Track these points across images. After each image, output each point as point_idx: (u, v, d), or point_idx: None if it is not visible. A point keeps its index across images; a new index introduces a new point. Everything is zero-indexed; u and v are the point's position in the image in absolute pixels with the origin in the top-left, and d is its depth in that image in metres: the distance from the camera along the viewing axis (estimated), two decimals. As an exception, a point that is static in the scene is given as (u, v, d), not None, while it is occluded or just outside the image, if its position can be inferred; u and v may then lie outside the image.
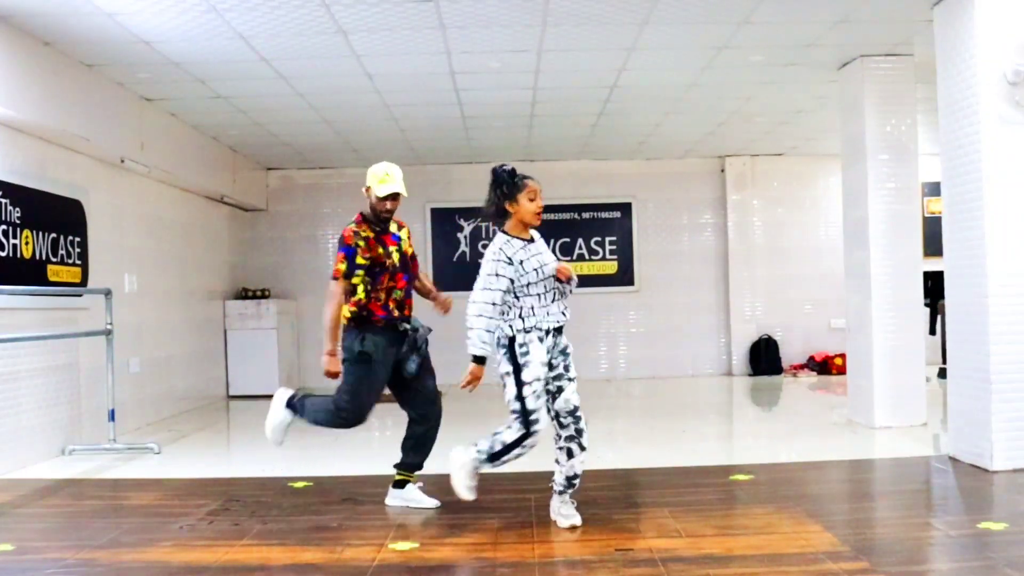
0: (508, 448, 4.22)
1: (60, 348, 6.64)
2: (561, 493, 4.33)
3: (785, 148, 11.25)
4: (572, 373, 4.29)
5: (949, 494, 5.09)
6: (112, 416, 6.78)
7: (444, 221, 11.53)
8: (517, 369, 4.15)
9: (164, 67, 6.82)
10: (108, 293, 6.93)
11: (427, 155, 10.94)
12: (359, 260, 4.65)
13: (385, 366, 4.74)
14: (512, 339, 4.17)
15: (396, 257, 4.75)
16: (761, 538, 4.00)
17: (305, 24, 5.98)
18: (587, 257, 11.72)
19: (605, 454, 6.52)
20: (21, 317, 6.19)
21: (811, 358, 11.52)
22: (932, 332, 9.71)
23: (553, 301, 4.25)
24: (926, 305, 8.79)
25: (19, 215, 6.14)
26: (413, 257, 4.93)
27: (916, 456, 5.94)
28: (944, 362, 6.84)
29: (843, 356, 9.94)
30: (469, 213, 11.53)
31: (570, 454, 4.27)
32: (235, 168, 10.33)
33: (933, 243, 9.22)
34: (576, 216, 11.71)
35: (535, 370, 4.14)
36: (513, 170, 4.39)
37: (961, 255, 5.52)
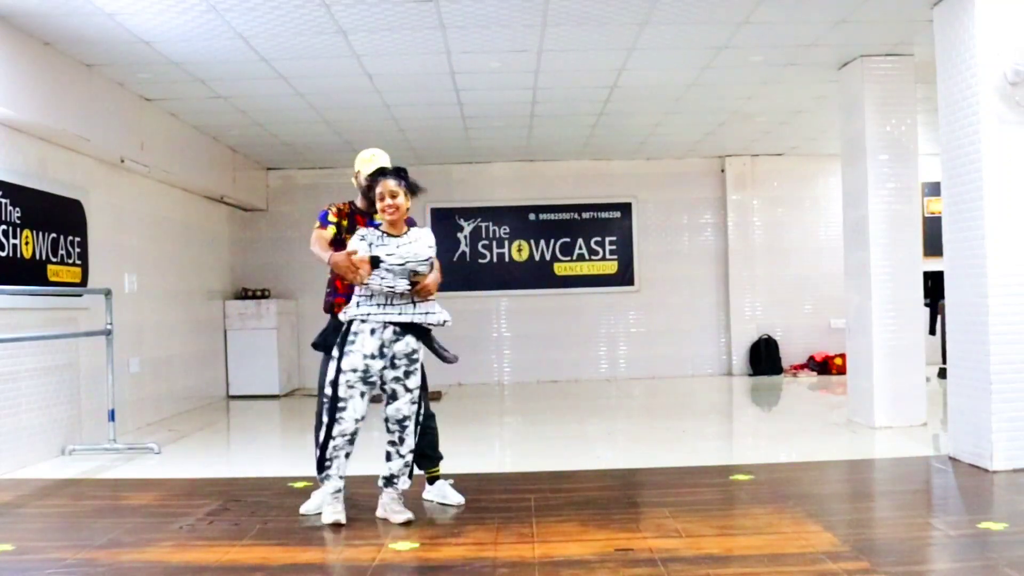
0: (323, 447, 4.32)
1: (60, 348, 6.64)
2: (386, 488, 4.43)
3: (785, 148, 11.25)
4: (410, 383, 4.34)
5: (949, 494, 5.09)
6: (112, 416, 6.78)
7: (444, 221, 11.52)
8: (340, 355, 4.28)
9: (164, 67, 6.82)
10: (108, 293, 6.93)
11: (427, 155, 10.94)
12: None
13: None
14: (349, 323, 4.31)
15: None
16: (761, 538, 4.00)
17: (305, 24, 5.98)
18: (587, 257, 11.72)
19: (605, 454, 6.52)
20: (21, 317, 6.19)
21: (811, 358, 11.52)
22: (932, 332, 9.71)
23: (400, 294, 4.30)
24: (926, 305, 8.79)
25: (19, 215, 6.14)
26: None
27: (916, 456, 5.94)
28: (944, 362, 6.84)
29: (843, 356, 9.94)
30: (469, 213, 11.59)
31: (388, 457, 4.40)
32: (235, 168, 10.33)
33: (933, 243, 9.22)
34: (576, 216, 11.71)
35: (354, 360, 4.27)
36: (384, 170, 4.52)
37: (961, 255, 5.52)
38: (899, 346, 6.99)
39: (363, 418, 4.32)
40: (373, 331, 4.28)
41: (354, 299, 4.35)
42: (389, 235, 4.39)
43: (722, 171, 11.73)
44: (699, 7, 5.89)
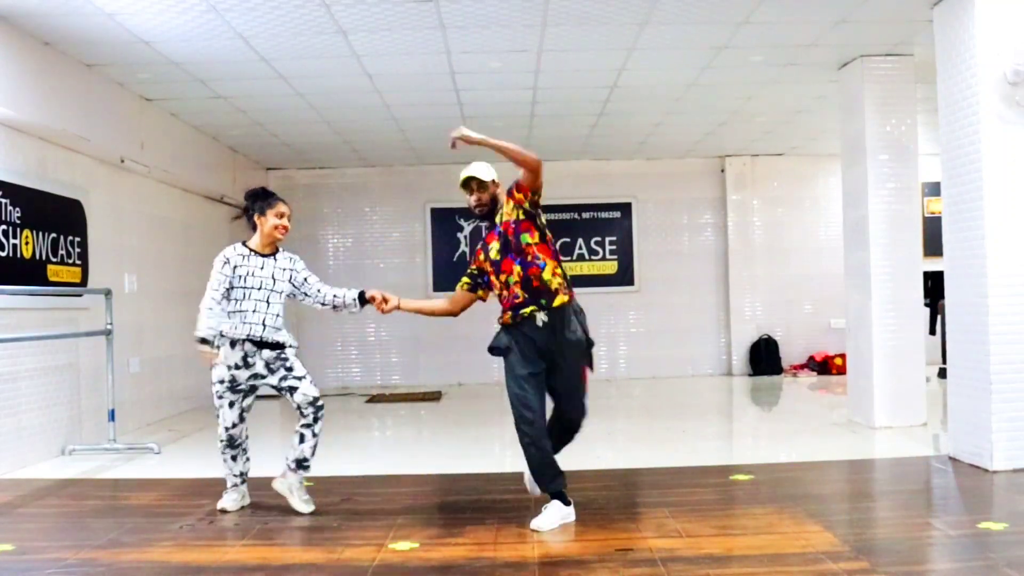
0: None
1: (60, 348, 6.64)
2: (294, 471, 4.69)
3: (785, 148, 11.25)
4: (299, 371, 4.64)
5: (949, 494, 5.09)
6: (112, 416, 6.78)
7: (444, 221, 11.53)
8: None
9: (164, 67, 6.82)
10: (108, 293, 6.93)
11: (427, 155, 10.94)
12: (470, 268, 4.66)
13: (523, 359, 4.33)
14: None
15: (494, 252, 4.44)
16: (761, 538, 4.00)
17: (305, 24, 5.99)
18: (587, 257, 11.72)
19: (605, 454, 6.52)
20: (21, 317, 6.19)
21: (811, 358, 11.52)
22: (932, 332, 9.71)
23: (254, 311, 4.58)
24: (926, 305, 8.79)
25: (19, 215, 6.15)
26: (515, 234, 4.34)
27: (916, 456, 5.94)
28: (944, 362, 6.84)
29: (843, 356, 9.94)
30: (469, 213, 11.58)
31: (302, 439, 4.65)
32: (235, 168, 10.33)
33: (933, 243, 9.22)
34: (576, 216, 11.71)
35: (219, 372, 4.60)
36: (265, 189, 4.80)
37: (961, 255, 5.52)
38: (899, 346, 6.99)
39: (234, 425, 4.67)
40: (232, 345, 4.58)
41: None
42: (259, 254, 4.70)
43: (722, 171, 11.73)
44: (699, 7, 5.89)
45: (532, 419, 4.24)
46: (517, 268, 4.31)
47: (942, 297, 6.47)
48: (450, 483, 5.46)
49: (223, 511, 4.71)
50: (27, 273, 6.22)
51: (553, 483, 4.33)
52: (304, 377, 4.64)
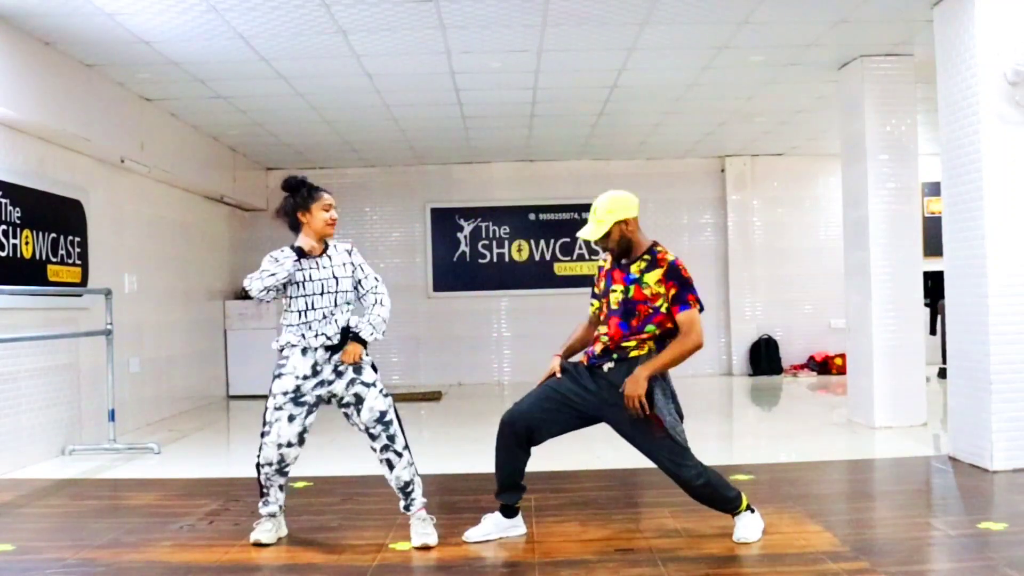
0: (257, 470, 4.06)
1: (60, 348, 6.64)
2: (407, 509, 4.08)
3: (785, 148, 11.25)
4: (367, 377, 4.02)
5: (949, 494, 5.09)
6: (112, 416, 6.78)
7: (444, 221, 11.52)
8: (274, 379, 4.02)
9: (164, 67, 6.82)
10: (108, 293, 6.93)
11: (427, 155, 10.94)
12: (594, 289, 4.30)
13: (562, 378, 4.11)
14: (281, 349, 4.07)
15: (615, 298, 4.08)
16: (761, 538, 4.00)
17: (305, 24, 5.98)
18: (587, 257, 11.71)
19: (605, 454, 6.52)
20: (21, 317, 6.19)
21: (811, 358, 11.52)
22: (932, 332, 9.72)
23: (324, 319, 4.06)
24: (926, 305, 8.79)
25: (19, 215, 6.14)
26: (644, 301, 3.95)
27: (916, 456, 5.94)
28: (944, 362, 6.84)
29: (843, 356, 9.94)
30: (469, 213, 11.59)
31: (390, 465, 4.04)
32: (235, 168, 10.33)
33: (933, 243, 9.22)
34: (576, 216, 11.69)
35: (284, 383, 3.99)
36: (304, 179, 4.42)
37: (961, 255, 5.52)
38: (899, 346, 6.99)
39: (289, 444, 3.98)
40: (304, 352, 4.01)
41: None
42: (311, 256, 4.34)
43: (722, 171, 11.73)
44: (699, 7, 5.89)
45: (506, 416, 4.16)
46: (619, 332, 4.01)
47: (942, 297, 6.47)
48: (450, 483, 5.45)
49: (257, 544, 4.03)
50: (27, 273, 6.22)
51: (500, 494, 4.15)
52: (373, 384, 4.02)
